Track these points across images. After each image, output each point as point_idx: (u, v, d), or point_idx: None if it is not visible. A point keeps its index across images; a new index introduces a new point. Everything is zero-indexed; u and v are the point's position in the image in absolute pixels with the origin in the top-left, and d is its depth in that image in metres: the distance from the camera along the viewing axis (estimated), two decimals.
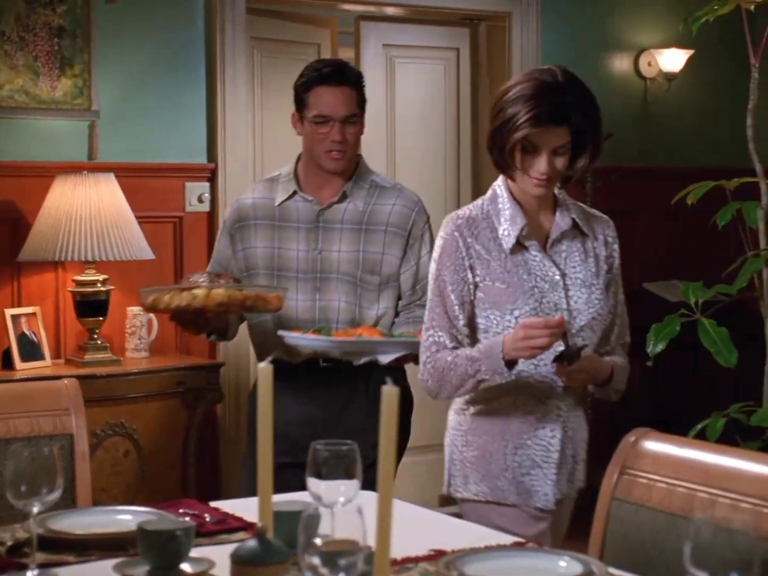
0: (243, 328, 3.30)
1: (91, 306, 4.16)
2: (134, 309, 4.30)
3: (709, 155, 5.64)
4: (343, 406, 3.15)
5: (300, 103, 3.17)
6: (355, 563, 1.51)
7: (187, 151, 4.58)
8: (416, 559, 1.99)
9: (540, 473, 2.56)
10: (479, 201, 2.69)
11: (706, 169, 4.81)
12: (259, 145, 4.86)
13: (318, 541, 1.52)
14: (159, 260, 4.35)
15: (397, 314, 3.20)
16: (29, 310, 4.17)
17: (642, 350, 3.25)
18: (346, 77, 3.14)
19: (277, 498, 1.88)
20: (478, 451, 2.58)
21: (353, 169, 3.20)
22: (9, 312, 4.10)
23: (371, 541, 1.54)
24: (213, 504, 2.37)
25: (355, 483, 1.86)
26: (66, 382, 2.64)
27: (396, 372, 3.00)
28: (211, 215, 4.61)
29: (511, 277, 2.56)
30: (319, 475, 1.87)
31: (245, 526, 2.18)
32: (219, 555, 1.87)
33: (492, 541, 2.10)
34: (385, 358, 3.01)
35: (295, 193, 3.18)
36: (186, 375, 4.20)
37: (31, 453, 1.90)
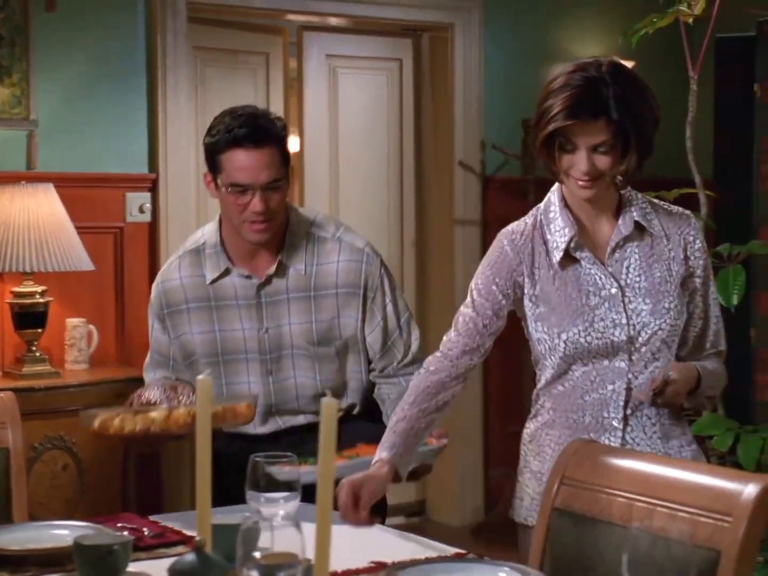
0: None
1: (30, 317, 4.11)
2: (73, 320, 4.26)
3: (649, 166, 5.69)
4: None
5: (211, 165, 2.75)
6: None
7: (127, 160, 4.54)
8: (357, 572, 1.98)
9: None
10: (534, 210, 2.44)
11: (646, 180, 4.84)
12: (202, 154, 4.81)
13: (257, 554, 1.51)
14: (99, 271, 4.31)
15: (376, 379, 2.84)
16: None
17: None
18: (265, 137, 2.67)
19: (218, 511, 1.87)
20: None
21: (285, 228, 2.78)
22: None
23: (311, 554, 1.53)
24: (153, 518, 2.35)
25: (295, 496, 1.85)
26: (2, 395, 2.61)
27: None
28: (153, 226, 4.58)
29: (558, 296, 2.35)
30: (259, 488, 1.86)
31: (184, 539, 2.16)
32: (157, 569, 1.86)
33: (433, 553, 2.10)
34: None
35: (227, 270, 2.79)
36: (127, 387, 4.12)
37: None
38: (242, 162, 2.65)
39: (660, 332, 2.33)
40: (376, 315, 2.79)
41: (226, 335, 2.79)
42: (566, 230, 2.35)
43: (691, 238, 2.39)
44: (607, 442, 2.35)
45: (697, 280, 2.39)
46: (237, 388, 2.79)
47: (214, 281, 2.79)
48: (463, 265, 5.32)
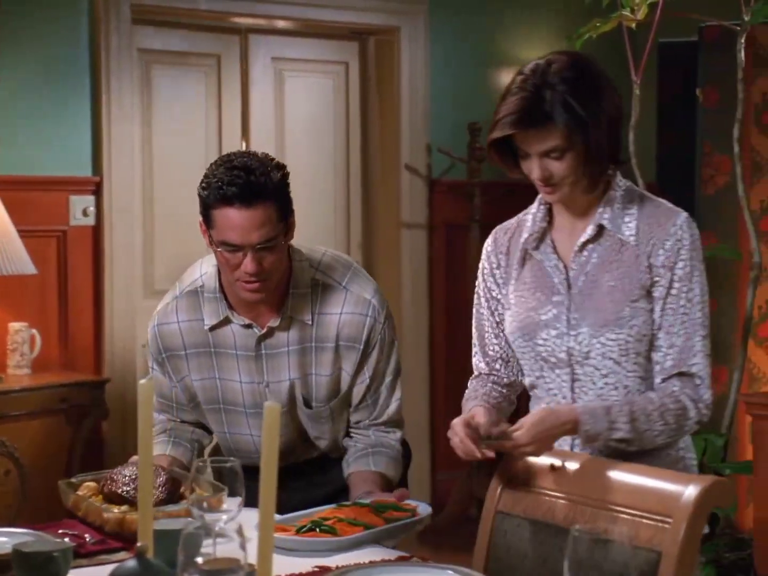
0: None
1: None
2: (15, 325, 4.21)
3: None
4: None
5: (205, 217, 2.51)
6: None
7: (71, 163, 4.50)
8: None
9: None
10: (529, 207, 2.35)
11: None
12: (148, 157, 4.79)
13: (199, 559, 1.50)
14: (42, 275, 4.27)
15: (350, 429, 2.73)
16: None
17: None
18: (258, 194, 2.43)
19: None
20: None
21: (288, 278, 2.60)
22: None
23: (253, 560, 1.52)
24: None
25: (237, 501, 1.85)
26: None
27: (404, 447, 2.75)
28: (97, 229, 4.54)
29: (515, 297, 2.29)
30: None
31: (125, 546, 2.14)
32: None
33: (376, 557, 2.10)
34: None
35: (227, 319, 2.62)
36: (70, 392, 4.12)
37: None
38: (233, 221, 2.43)
39: (601, 347, 2.17)
40: (365, 371, 2.65)
41: (226, 384, 2.66)
42: (530, 226, 2.28)
43: (670, 243, 2.16)
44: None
45: (661, 289, 2.16)
46: (239, 438, 2.70)
47: (213, 328, 2.64)
48: (410, 267, 5.33)
